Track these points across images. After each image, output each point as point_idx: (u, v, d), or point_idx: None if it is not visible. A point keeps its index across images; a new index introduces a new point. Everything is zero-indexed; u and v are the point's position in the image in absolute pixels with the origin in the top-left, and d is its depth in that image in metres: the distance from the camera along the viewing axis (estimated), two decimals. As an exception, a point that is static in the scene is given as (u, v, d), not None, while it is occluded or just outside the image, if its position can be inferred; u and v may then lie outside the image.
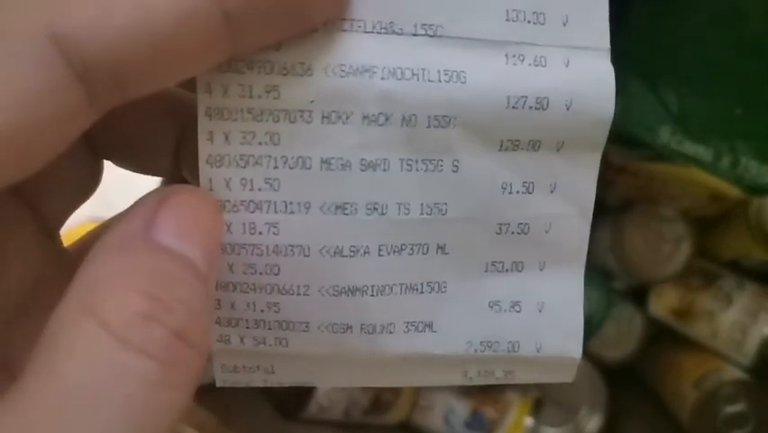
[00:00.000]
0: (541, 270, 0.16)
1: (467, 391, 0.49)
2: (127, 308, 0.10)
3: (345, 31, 0.13)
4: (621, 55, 0.34)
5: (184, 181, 0.17)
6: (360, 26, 0.13)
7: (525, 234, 0.16)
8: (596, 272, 0.46)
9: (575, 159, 0.15)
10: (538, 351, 0.16)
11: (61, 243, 0.15)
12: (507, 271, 0.16)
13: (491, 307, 0.16)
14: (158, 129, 0.16)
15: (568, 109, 0.14)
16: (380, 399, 0.47)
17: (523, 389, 0.50)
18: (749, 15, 0.31)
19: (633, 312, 0.52)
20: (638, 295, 0.52)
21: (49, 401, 0.09)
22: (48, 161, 0.11)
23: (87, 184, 0.16)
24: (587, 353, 0.54)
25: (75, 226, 0.18)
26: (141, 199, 0.12)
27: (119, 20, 0.10)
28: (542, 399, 0.50)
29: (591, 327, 0.47)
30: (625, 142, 0.35)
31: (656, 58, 0.32)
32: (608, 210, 0.46)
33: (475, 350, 0.16)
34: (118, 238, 0.11)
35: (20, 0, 0.10)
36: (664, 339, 0.52)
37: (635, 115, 0.33)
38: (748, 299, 0.47)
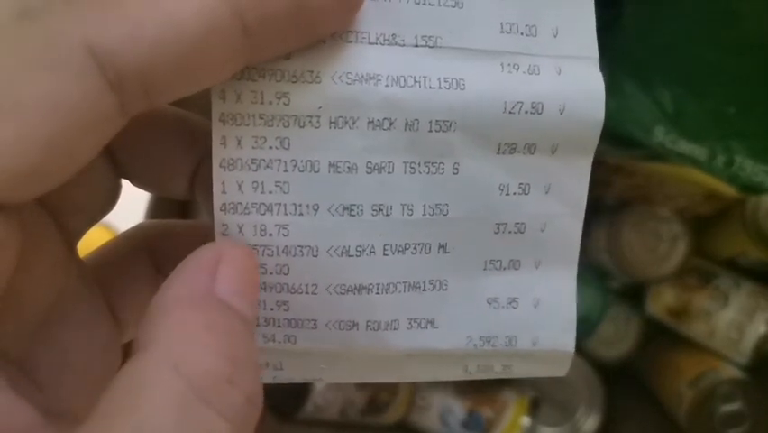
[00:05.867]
0: (536, 267, 0.17)
1: (464, 391, 0.49)
2: (212, 372, 0.11)
3: (351, 42, 0.14)
4: (616, 55, 0.34)
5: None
6: (364, 38, 0.14)
7: (522, 233, 0.16)
8: (592, 272, 0.46)
9: (568, 161, 0.16)
10: (534, 345, 0.17)
11: (78, 255, 0.16)
12: (504, 268, 0.17)
13: (490, 303, 0.17)
14: (178, 154, 0.17)
15: (561, 114, 0.15)
16: (377, 398, 0.47)
17: (520, 388, 0.50)
18: (743, 15, 0.31)
19: (630, 312, 0.52)
20: (635, 294, 0.52)
21: None
22: (83, 165, 0.12)
23: (107, 201, 0.17)
24: (584, 352, 0.54)
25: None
26: (198, 252, 0.13)
27: (150, 34, 0.11)
28: (539, 398, 0.50)
29: (588, 327, 0.47)
30: (620, 142, 0.35)
31: (651, 58, 0.32)
32: (604, 210, 0.46)
33: (475, 345, 0.17)
34: (187, 291, 0.12)
35: (58, 15, 0.11)
36: (661, 338, 0.52)
37: (629, 114, 0.33)
38: (745, 297, 0.47)
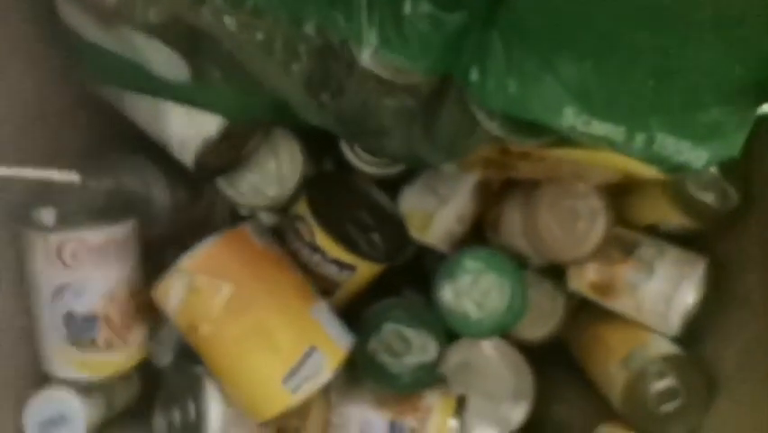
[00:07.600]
0: None
1: (383, 402, 0.45)
2: None
3: None
4: (512, 32, 0.27)
5: None
6: None
7: None
8: (509, 261, 0.42)
9: None
10: None
11: None
12: None
13: None
14: None
15: None
16: (286, 428, 0.42)
17: (443, 390, 0.46)
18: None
19: (553, 289, 0.49)
20: (557, 271, 0.48)
21: None
22: None
23: None
24: (510, 338, 0.50)
25: None
26: None
27: None
28: (464, 396, 0.46)
29: (512, 319, 0.42)
30: (525, 131, 0.29)
31: (551, 33, 0.26)
32: (515, 192, 0.41)
33: None
34: None
35: None
36: (589, 310, 0.49)
37: (533, 97, 0.28)
38: (670, 266, 0.44)
